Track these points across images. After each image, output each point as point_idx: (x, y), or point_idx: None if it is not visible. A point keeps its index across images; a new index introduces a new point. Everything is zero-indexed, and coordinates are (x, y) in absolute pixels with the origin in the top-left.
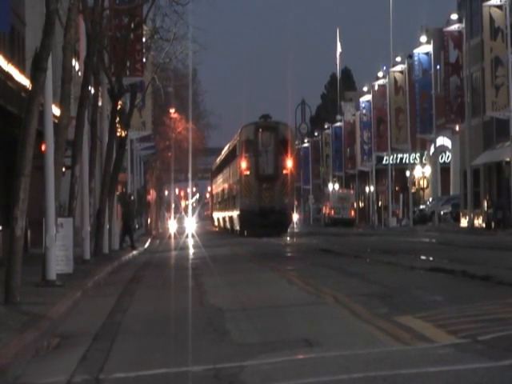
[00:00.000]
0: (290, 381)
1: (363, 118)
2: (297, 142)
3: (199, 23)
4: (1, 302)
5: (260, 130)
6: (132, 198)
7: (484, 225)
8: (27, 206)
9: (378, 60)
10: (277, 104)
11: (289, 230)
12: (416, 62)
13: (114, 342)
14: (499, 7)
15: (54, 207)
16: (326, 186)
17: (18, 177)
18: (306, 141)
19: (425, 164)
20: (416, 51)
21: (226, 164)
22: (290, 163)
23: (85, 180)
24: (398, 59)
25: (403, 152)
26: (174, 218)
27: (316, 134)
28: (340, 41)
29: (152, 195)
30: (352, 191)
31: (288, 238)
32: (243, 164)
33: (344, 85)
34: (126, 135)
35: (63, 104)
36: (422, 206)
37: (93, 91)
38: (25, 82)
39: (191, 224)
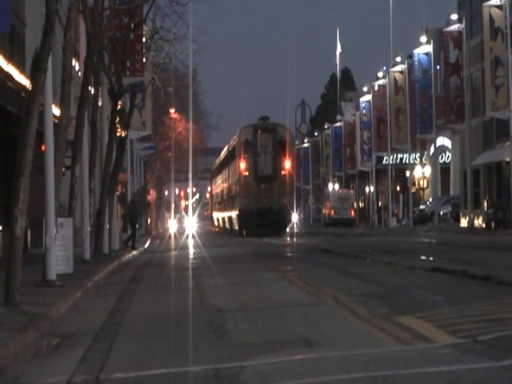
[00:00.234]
0: (290, 381)
1: (363, 118)
2: (297, 142)
3: (199, 23)
4: (1, 302)
5: (259, 131)
6: (136, 198)
7: (484, 225)
8: (27, 206)
9: (377, 60)
10: (277, 104)
11: (288, 230)
12: (416, 62)
13: (114, 342)
14: (499, 7)
15: (53, 207)
16: (326, 186)
17: (18, 177)
18: (305, 141)
19: (425, 164)
20: (416, 51)
21: (226, 165)
22: (288, 164)
23: (85, 180)
24: (398, 59)
25: (403, 152)
26: (174, 218)
27: (316, 134)
28: (340, 41)
29: (152, 195)
30: (352, 191)
31: (288, 238)
32: (242, 165)
33: (344, 85)
34: (126, 135)
35: (63, 104)
36: (421, 206)
37: (93, 91)
38: (25, 82)
39: (191, 224)
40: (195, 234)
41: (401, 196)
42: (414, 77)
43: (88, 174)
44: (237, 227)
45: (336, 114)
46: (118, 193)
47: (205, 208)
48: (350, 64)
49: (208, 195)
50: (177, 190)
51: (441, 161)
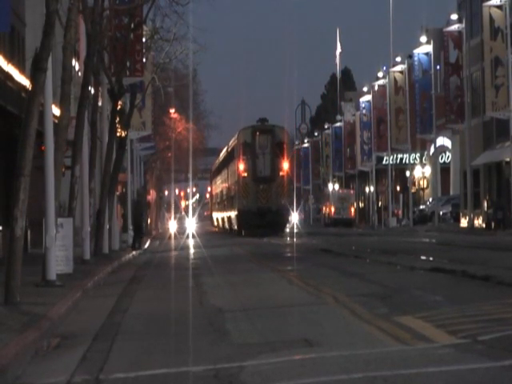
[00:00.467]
0: (290, 381)
1: (363, 118)
2: (297, 142)
3: (199, 23)
4: (1, 302)
5: (257, 133)
6: (139, 199)
7: (484, 225)
8: (27, 206)
9: (377, 60)
10: (277, 104)
11: (288, 230)
12: (416, 62)
13: (114, 342)
14: (499, 7)
15: (53, 207)
16: (326, 186)
17: (18, 177)
18: (305, 141)
19: (425, 164)
20: (416, 51)
21: (225, 166)
22: (286, 165)
23: (85, 180)
24: (398, 59)
25: (403, 152)
26: (174, 218)
27: (316, 134)
28: (340, 41)
29: (152, 195)
30: (352, 191)
31: (288, 238)
32: (241, 166)
33: (344, 85)
34: (126, 135)
35: (63, 104)
36: (421, 206)
37: (93, 91)
38: (25, 82)
39: (191, 224)
40: (195, 234)
41: (401, 196)
42: (414, 77)
43: (88, 174)
44: (236, 227)
45: (336, 114)
46: (118, 193)
47: (205, 208)
48: (349, 64)
49: (208, 195)
50: (177, 190)
51: (441, 161)
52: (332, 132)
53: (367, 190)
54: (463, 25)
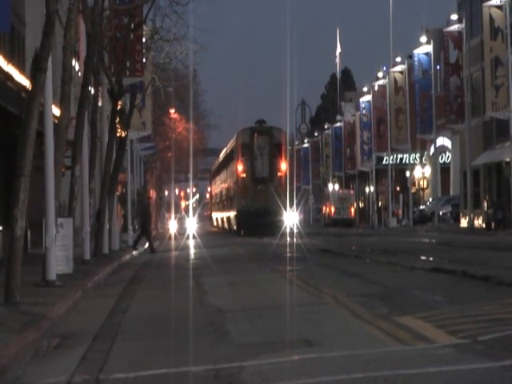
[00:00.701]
0: (290, 381)
1: (363, 119)
2: (297, 143)
3: (199, 23)
4: (1, 302)
5: (255, 134)
6: (145, 199)
7: (484, 225)
8: (27, 206)
9: (377, 60)
10: (277, 104)
11: (288, 230)
12: (416, 63)
13: (114, 342)
14: (499, 7)
15: (53, 207)
16: (326, 186)
17: (18, 177)
18: (305, 141)
19: (425, 164)
20: (416, 51)
21: (224, 166)
22: (283, 166)
23: (85, 180)
24: (398, 59)
25: (403, 152)
26: (175, 218)
27: (316, 134)
28: (340, 41)
29: (152, 195)
30: (352, 191)
31: (288, 239)
32: (240, 167)
33: (344, 85)
34: (126, 135)
35: (63, 104)
36: (421, 207)
37: (93, 91)
38: (25, 82)
39: (192, 225)
40: (195, 234)
41: (401, 196)
42: (414, 77)
43: (88, 175)
44: (235, 227)
45: (336, 114)
46: (118, 193)
47: (205, 208)
48: (349, 64)
49: (208, 196)
50: (177, 191)
51: (441, 161)
52: (332, 132)
53: (367, 190)
54: (463, 25)
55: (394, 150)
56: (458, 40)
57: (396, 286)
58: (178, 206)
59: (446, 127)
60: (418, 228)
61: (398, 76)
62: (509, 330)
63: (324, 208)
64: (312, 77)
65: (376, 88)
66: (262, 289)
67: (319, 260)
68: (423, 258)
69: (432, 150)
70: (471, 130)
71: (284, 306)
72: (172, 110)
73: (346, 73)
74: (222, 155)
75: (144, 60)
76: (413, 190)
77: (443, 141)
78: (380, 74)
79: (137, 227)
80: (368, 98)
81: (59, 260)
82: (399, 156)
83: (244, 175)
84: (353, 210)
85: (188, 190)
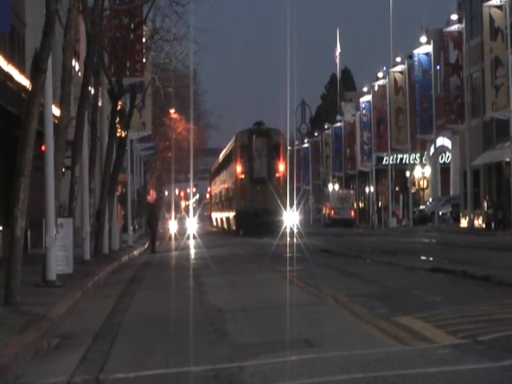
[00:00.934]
0: (289, 381)
1: (363, 119)
2: (297, 143)
3: (199, 23)
4: (1, 302)
5: (254, 136)
6: (154, 202)
7: (484, 225)
8: (27, 206)
9: (377, 60)
10: (277, 104)
11: (288, 231)
12: (416, 63)
13: (114, 342)
14: (499, 7)
15: (53, 207)
16: (326, 186)
17: (18, 177)
18: (305, 141)
19: (425, 164)
20: (416, 51)
21: (223, 167)
22: (281, 167)
23: (85, 180)
24: (398, 59)
25: (403, 152)
26: (175, 218)
27: (316, 134)
28: (340, 41)
29: (152, 195)
30: (352, 191)
31: (288, 239)
32: (238, 168)
33: (344, 85)
34: (126, 135)
35: (63, 104)
36: (421, 207)
37: (93, 91)
38: (25, 82)
39: (192, 225)
40: (196, 234)
41: (401, 196)
42: (414, 77)
43: (88, 175)
44: (234, 227)
45: (336, 114)
46: (118, 193)
47: (205, 208)
48: (349, 64)
49: (208, 196)
50: (177, 191)
51: (441, 161)
52: (332, 132)
53: (367, 190)
54: (463, 25)
55: (394, 150)
56: (458, 40)
57: (396, 286)
58: (178, 206)
59: (446, 127)
60: (417, 228)
61: (398, 76)
62: (509, 330)
63: (324, 208)
64: (312, 77)
65: (376, 88)
66: (262, 289)
67: (319, 260)
68: (423, 258)
69: (432, 150)
70: (471, 130)
71: (284, 306)
72: (172, 110)
73: (345, 73)
74: (221, 156)
75: (144, 60)
76: (413, 190)
77: (443, 141)
78: (380, 74)
79: (136, 227)
80: (368, 98)
81: (59, 260)
82: (399, 156)
83: (243, 176)
84: (353, 210)
85: (188, 190)
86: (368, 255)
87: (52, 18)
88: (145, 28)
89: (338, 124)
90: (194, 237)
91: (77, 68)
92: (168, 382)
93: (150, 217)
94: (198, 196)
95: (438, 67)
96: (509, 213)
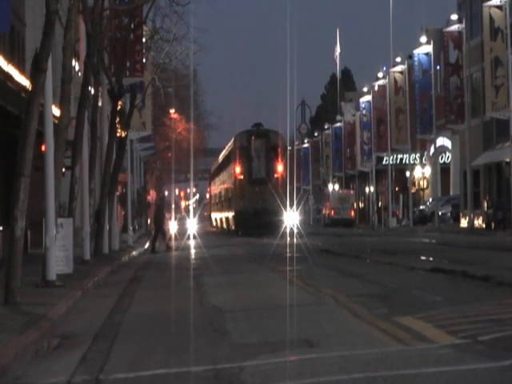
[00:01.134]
0: (289, 381)
1: (363, 119)
2: (297, 143)
3: (199, 23)
4: (1, 302)
5: (252, 137)
6: (160, 203)
7: (484, 225)
8: (27, 206)
9: (377, 60)
10: (277, 104)
11: (288, 231)
12: (416, 63)
13: (114, 342)
14: (499, 7)
15: (53, 207)
16: (326, 186)
17: (18, 177)
18: (305, 141)
19: (425, 164)
20: (416, 51)
21: (222, 168)
22: (280, 167)
23: (85, 180)
24: (398, 59)
25: (403, 152)
26: (175, 218)
27: (316, 134)
28: (340, 41)
29: (152, 196)
30: (352, 192)
31: (288, 239)
32: (237, 169)
33: (344, 85)
34: (126, 135)
35: (63, 104)
36: (421, 207)
37: (93, 91)
38: (25, 82)
39: (193, 225)
40: (196, 234)
41: (401, 196)
42: (414, 77)
43: (88, 175)
44: (233, 227)
45: (336, 114)
46: (118, 193)
47: (205, 209)
48: (349, 64)
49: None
50: (177, 191)
51: (441, 161)
52: (332, 132)
53: (367, 190)
54: (463, 25)
55: (394, 150)
56: (458, 40)
57: (396, 286)
58: (178, 207)
59: (446, 127)
60: (417, 228)
61: (398, 76)
62: (509, 330)
63: (324, 208)
64: (312, 77)
65: (376, 88)
66: (262, 289)
67: (319, 260)
68: (423, 258)
69: (432, 150)
70: (471, 130)
71: (284, 306)
72: (172, 110)
73: (345, 73)
74: (220, 157)
75: (144, 60)
76: (413, 190)
77: (443, 141)
78: (380, 74)
79: (136, 227)
80: (368, 98)
81: (59, 260)
82: (399, 156)
83: (242, 177)
84: (353, 210)
85: (188, 190)
86: (368, 255)
87: (52, 18)
88: (145, 28)
89: (338, 124)
90: (194, 237)
91: (77, 68)
92: (168, 382)
93: (158, 217)
94: (197, 196)
95: (438, 67)
96: (509, 213)
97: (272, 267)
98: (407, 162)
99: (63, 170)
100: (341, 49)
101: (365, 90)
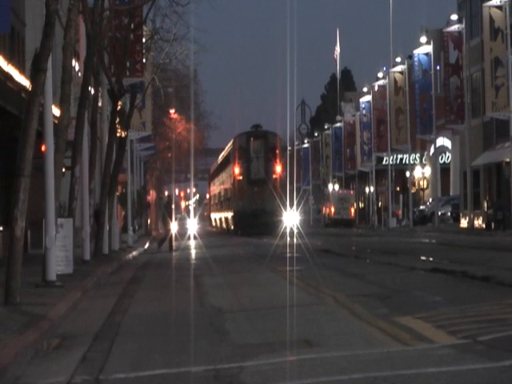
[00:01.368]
0: (289, 381)
1: (363, 119)
2: (297, 143)
3: (199, 24)
4: (1, 302)
5: (251, 138)
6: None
7: (484, 225)
8: (27, 206)
9: (377, 61)
10: (277, 104)
11: (288, 231)
12: (416, 63)
13: (114, 342)
14: (499, 8)
15: (54, 208)
16: (326, 186)
17: (18, 177)
18: (306, 141)
19: (425, 164)
20: (416, 52)
21: (222, 169)
22: (278, 168)
23: (85, 181)
24: (398, 60)
25: (403, 153)
26: (175, 219)
27: (316, 134)
28: (340, 41)
29: (152, 196)
30: (352, 192)
31: (288, 239)
32: (236, 169)
33: (344, 85)
34: (126, 136)
35: (63, 105)
36: (421, 207)
37: (93, 92)
38: (25, 82)
39: (193, 225)
40: (196, 235)
41: (401, 196)
42: (414, 77)
43: (88, 175)
44: (232, 227)
45: (336, 114)
46: (118, 193)
47: (205, 209)
48: (349, 64)
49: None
50: (177, 191)
51: (441, 161)
52: (332, 132)
53: (367, 190)
54: (463, 25)
55: (394, 150)
56: (458, 40)
57: (396, 287)
58: (178, 207)
59: (446, 127)
60: (417, 228)
61: (398, 76)
62: (509, 330)
63: (324, 208)
64: (312, 77)
65: (376, 88)
66: (262, 289)
67: (319, 260)
68: (423, 258)
69: (432, 150)
70: (471, 130)
71: (284, 307)
72: (172, 110)
73: (345, 73)
74: (219, 158)
75: (144, 60)
76: (413, 191)
77: (443, 141)
78: (380, 75)
79: (136, 227)
80: (368, 98)
81: (59, 260)
82: (399, 156)
83: (241, 177)
84: (353, 210)
85: (188, 191)
86: (368, 255)
87: (52, 18)
88: (145, 28)
89: (338, 124)
90: (195, 237)
91: (77, 68)
92: (168, 382)
93: (165, 216)
94: (197, 196)
95: (438, 67)
96: (509, 213)
97: (272, 267)
98: (407, 162)
99: (63, 170)
100: (341, 49)
101: (365, 90)
